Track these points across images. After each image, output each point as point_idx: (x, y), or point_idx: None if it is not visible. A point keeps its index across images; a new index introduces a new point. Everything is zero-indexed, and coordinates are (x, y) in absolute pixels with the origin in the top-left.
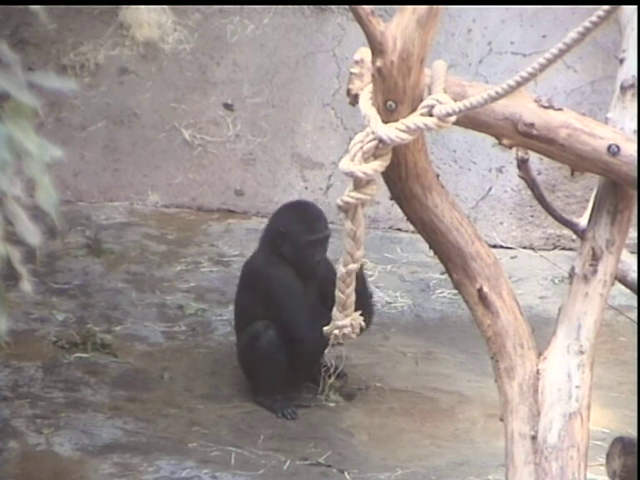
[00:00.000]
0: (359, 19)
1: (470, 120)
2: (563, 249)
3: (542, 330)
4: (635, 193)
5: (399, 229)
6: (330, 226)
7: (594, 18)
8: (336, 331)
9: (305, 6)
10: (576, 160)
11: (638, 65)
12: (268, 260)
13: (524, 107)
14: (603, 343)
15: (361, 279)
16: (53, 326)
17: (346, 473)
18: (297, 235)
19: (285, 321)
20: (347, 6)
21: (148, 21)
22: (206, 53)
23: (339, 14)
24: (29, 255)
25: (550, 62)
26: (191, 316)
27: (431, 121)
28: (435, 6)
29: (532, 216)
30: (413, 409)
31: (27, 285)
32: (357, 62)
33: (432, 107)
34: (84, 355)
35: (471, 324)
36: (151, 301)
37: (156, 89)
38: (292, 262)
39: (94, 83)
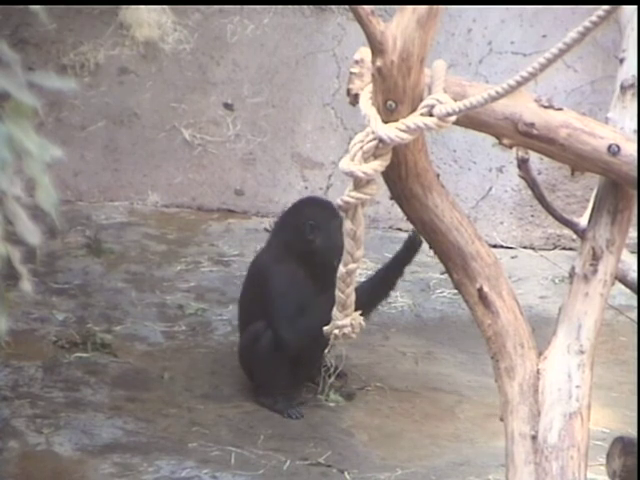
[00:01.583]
0: (359, 19)
1: (470, 120)
2: (563, 249)
3: (542, 330)
4: (635, 193)
5: (399, 229)
6: None
7: (594, 18)
8: (336, 331)
9: (305, 6)
10: (576, 160)
11: (638, 65)
12: (277, 257)
13: (524, 107)
14: (603, 343)
15: None
16: (53, 326)
17: (346, 473)
18: (328, 221)
19: (272, 319)
20: (347, 6)
21: (148, 21)
22: (206, 53)
23: (339, 14)
24: (29, 255)
25: (550, 62)
26: (191, 316)
27: (431, 121)
28: (435, 6)
29: (532, 216)
30: (413, 409)
31: (27, 285)
32: (357, 62)
33: (432, 107)
34: (84, 355)
35: (471, 324)
36: (151, 301)
37: (156, 89)
38: (322, 253)
39: (94, 83)
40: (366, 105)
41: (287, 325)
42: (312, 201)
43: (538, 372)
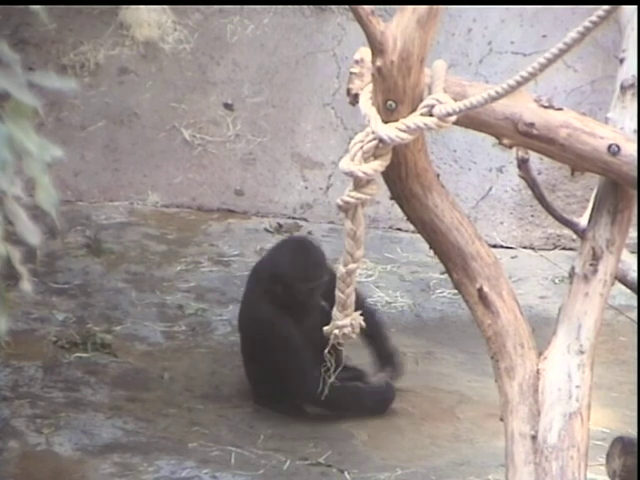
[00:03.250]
0: (359, 19)
1: (470, 120)
2: (563, 249)
3: (542, 330)
4: (635, 193)
5: (399, 229)
6: (330, 226)
7: (594, 18)
8: (336, 331)
9: (305, 6)
10: (576, 160)
11: (638, 65)
12: (268, 309)
13: (524, 107)
14: (603, 343)
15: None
16: (53, 326)
17: (346, 473)
18: (293, 281)
19: (292, 372)
20: (347, 6)
21: (148, 21)
22: (206, 53)
23: (339, 14)
24: (29, 255)
25: (550, 62)
26: (191, 316)
27: (431, 121)
28: (435, 6)
29: (532, 216)
30: (413, 409)
31: (27, 285)
32: (357, 62)
33: (432, 107)
34: (84, 355)
35: (471, 324)
36: (151, 301)
37: (156, 89)
38: (286, 304)
39: (94, 83)
40: (366, 105)
41: (312, 378)
42: (295, 252)
43: (538, 372)
